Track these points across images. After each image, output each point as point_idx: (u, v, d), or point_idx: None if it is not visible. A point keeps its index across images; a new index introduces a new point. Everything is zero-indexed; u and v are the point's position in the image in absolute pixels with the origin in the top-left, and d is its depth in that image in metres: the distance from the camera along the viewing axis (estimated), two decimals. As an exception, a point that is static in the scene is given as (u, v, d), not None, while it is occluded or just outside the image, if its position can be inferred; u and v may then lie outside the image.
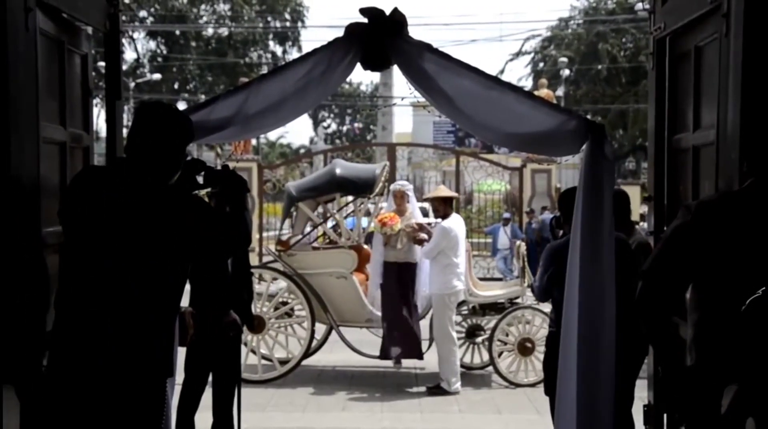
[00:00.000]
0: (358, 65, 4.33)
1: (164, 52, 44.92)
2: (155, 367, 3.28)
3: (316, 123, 60.81)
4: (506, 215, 19.12)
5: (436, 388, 8.35)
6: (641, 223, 13.50)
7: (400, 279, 8.60)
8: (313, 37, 74.31)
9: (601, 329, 4.16)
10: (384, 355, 8.69)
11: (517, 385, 8.54)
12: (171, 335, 3.45)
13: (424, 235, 8.54)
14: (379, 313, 8.89)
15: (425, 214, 10.31)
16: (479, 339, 9.27)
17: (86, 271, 3.19)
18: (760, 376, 2.98)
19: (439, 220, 8.57)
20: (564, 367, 4.34)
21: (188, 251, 3.32)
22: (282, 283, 9.10)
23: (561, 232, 5.27)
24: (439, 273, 8.38)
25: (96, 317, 3.17)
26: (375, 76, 48.56)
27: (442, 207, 8.52)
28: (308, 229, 9.96)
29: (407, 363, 9.23)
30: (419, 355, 8.67)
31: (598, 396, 4.16)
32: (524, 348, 8.67)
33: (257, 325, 8.45)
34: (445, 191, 9.03)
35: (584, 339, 4.16)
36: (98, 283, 3.17)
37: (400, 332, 8.57)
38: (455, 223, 8.53)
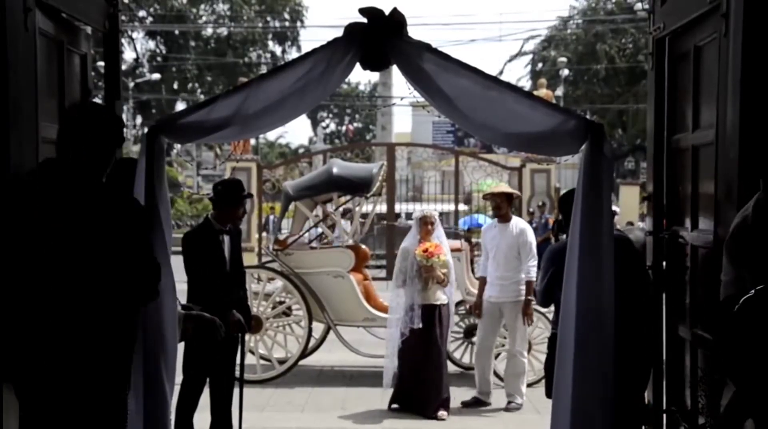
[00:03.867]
0: (358, 65, 4.33)
1: (163, 51, 44.94)
2: (105, 379, 3.26)
3: (315, 123, 60.79)
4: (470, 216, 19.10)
5: (475, 401, 7.82)
6: (640, 223, 13.46)
7: (432, 323, 7.43)
8: (313, 37, 74.24)
9: (600, 330, 4.14)
10: (406, 404, 7.50)
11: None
12: (126, 347, 3.42)
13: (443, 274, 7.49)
14: (380, 314, 8.89)
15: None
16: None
17: (28, 281, 3.19)
18: (757, 376, 2.98)
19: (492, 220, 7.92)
20: (561, 368, 4.33)
21: (123, 251, 3.30)
22: (279, 282, 9.10)
23: (565, 235, 5.18)
24: (519, 280, 7.66)
25: (44, 326, 3.17)
26: (374, 76, 48.64)
27: (506, 205, 7.76)
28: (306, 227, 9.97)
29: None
30: (447, 406, 7.49)
31: (595, 399, 4.15)
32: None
33: (254, 325, 8.46)
34: (507, 187, 8.27)
35: (582, 340, 4.15)
36: (41, 293, 3.17)
37: (430, 381, 7.43)
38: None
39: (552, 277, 4.92)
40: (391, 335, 7.67)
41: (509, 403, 7.70)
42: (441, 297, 7.48)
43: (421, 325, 7.35)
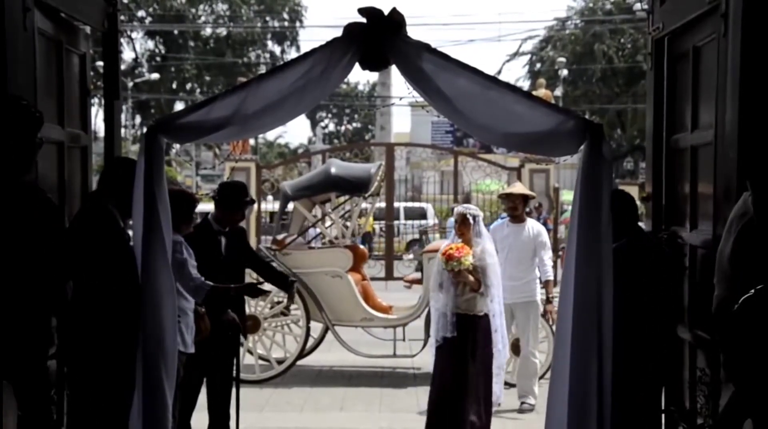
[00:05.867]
0: (357, 65, 4.34)
1: (162, 51, 44.90)
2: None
3: (314, 123, 60.76)
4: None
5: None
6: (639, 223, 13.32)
7: (465, 335, 6.23)
8: (312, 37, 74.27)
9: (598, 329, 4.13)
10: None
11: (512, 386, 8.50)
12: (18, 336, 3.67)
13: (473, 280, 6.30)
14: (378, 314, 8.89)
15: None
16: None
17: None
18: (757, 376, 2.97)
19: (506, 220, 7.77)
20: (555, 369, 4.32)
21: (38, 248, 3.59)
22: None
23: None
24: (535, 279, 7.62)
25: None
26: (373, 76, 48.56)
27: (522, 206, 7.73)
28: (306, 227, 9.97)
29: (404, 362, 9.22)
30: None
31: (590, 402, 4.13)
32: (517, 348, 8.61)
33: (252, 325, 8.46)
34: (523, 188, 8.32)
35: (579, 340, 4.13)
36: None
37: (460, 402, 6.19)
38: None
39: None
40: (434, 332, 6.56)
41: (522, 404, 7.65)
42: (477, 306, 6.28)
43: (455, 334, 6.22)
